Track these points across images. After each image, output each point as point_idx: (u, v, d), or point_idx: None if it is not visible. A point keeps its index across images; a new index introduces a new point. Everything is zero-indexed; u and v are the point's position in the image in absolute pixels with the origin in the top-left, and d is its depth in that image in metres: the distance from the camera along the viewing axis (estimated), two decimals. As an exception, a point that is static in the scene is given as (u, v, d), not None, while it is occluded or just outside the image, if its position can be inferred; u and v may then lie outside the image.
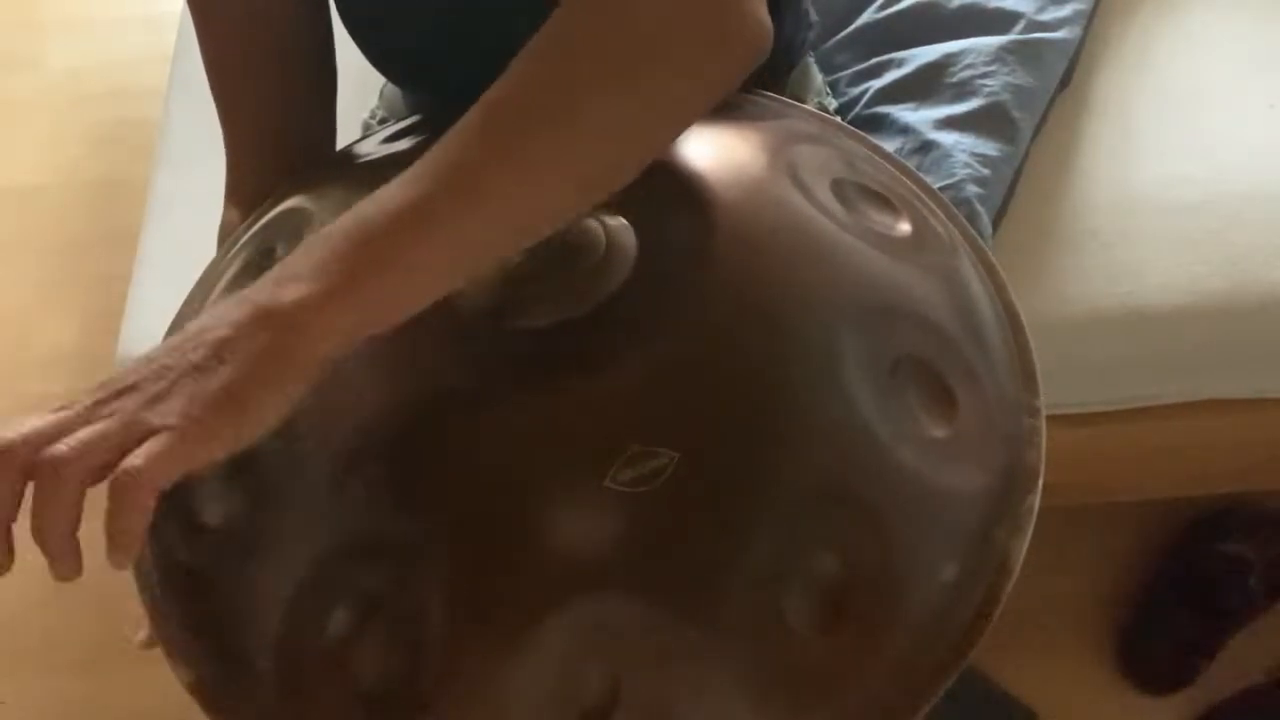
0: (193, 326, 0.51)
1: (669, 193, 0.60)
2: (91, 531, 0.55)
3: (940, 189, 1.09)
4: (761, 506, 0.55)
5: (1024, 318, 0.65)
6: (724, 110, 0.61)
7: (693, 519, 0.54)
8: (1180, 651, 1.36)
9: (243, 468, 0.59)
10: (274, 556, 0.50)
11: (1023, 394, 0.62)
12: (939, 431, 0.58)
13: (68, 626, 1.49)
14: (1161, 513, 1.45)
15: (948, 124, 1.16)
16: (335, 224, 0.52)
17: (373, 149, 0.79)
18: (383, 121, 1.03)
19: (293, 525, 0.52)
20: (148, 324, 1.00)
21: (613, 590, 0.53)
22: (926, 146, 1.15)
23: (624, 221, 0.62)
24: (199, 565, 0.60)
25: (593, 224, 0.62)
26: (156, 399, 0.48)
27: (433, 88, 0.88)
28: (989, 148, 1.14)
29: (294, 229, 0.69)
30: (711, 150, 0.65)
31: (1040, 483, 0.59)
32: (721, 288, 0.59)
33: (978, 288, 0.66)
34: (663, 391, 0.56)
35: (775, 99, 0.77)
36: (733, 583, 0.53)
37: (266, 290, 0.50)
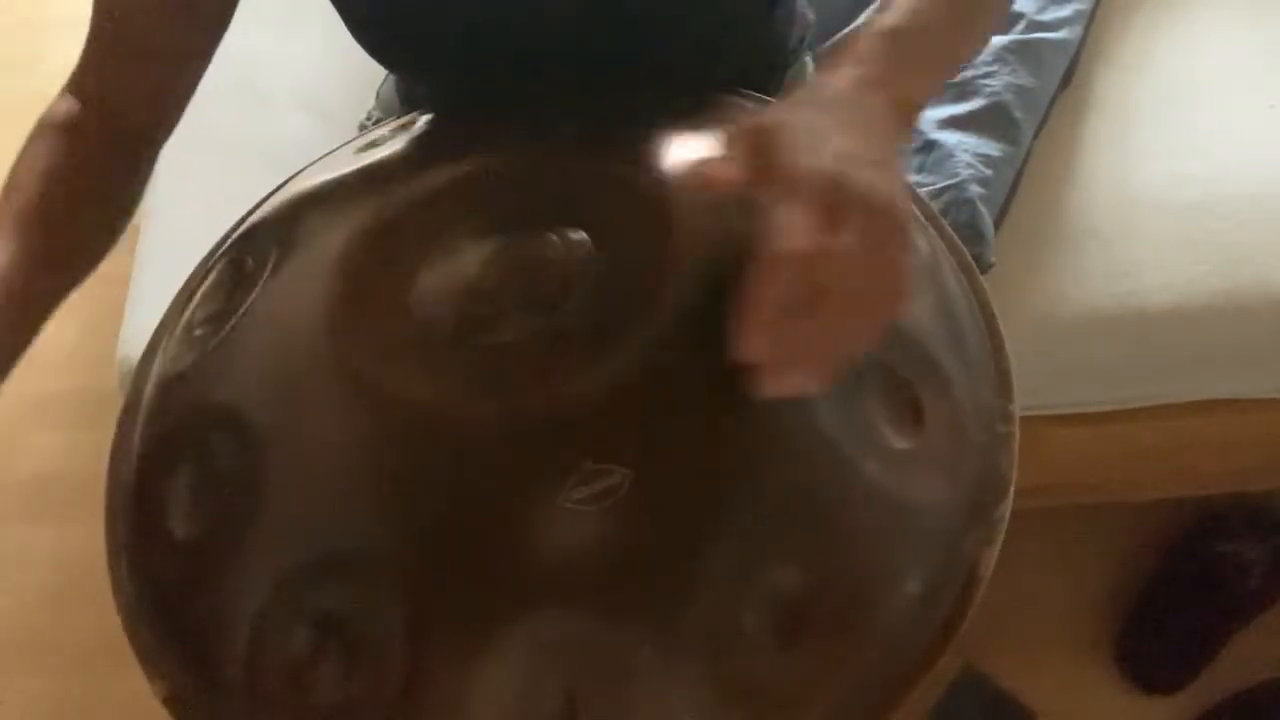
0: (860, 133, 0.56)
1: (630, 206, 0.59)
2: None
3: (943, 189, 1.10)
4: (720, 522, 0.54)
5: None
6: (701, 115, 0.61)
7: (649, 535, 0.54)
8: (1180, 651, 1.36)
9: (211, 485, 0.59)
10: (240, 571, 0.51)
11: (996, 399, 0.61)
12: (905, 443, 0.57)
13: (68, 626, 1.48)
14: (1161, 513, 1.45)
15: (950, 124, 1.16)
16: (904, 40, 0.61)
17: (347, 158, 0.79)
18: (377, 123, 1.03)
19: (258, 540, 0.52)
20: (148, 324, 0.99)
21: (571, 606, 0.53)
22: (929, 146, 1.15)
23: (584, 236, 0.62)
24: (171, 579, 0.60)
25: (553, 239, 0.62)
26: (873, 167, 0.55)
27: (441, 81, 0.88)
28: (991, 148, 1.14)
29: (261, 247, 0.70)
30: (677, 159, 0.64)
31: (1012, 491, 0.59)
32: (681, 300, 0.58)
33: (955, 291, 0.65)
34: (621, 407, 0.56)
35: (762, 100, 0.76)
36: (692, 598, 0.53)
37: (896, 86, 0.59)
